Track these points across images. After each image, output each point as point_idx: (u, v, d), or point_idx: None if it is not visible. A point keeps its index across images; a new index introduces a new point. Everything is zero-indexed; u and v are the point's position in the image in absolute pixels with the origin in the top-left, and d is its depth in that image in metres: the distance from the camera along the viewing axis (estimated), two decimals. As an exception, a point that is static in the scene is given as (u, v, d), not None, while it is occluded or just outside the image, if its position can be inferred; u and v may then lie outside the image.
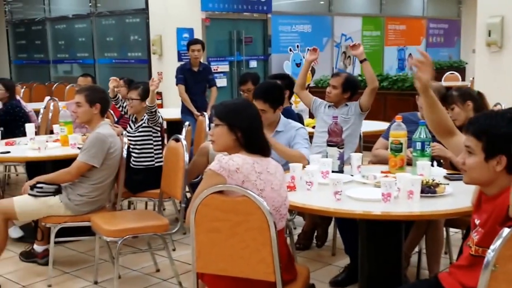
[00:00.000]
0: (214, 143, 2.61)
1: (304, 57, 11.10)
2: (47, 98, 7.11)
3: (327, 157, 3.30)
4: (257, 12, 10.26)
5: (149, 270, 3.98)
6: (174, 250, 4.28)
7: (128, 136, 4.27)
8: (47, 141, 4.38)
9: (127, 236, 3.42)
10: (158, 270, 3.96)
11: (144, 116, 4.32)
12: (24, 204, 3.58)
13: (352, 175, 3.23)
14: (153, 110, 4.24)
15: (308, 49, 4.43)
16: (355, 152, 3.85)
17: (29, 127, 4.65)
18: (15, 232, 4.43)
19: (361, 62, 4.27)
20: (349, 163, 3.42)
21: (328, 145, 3.35)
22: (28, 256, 4.09)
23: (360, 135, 4.54)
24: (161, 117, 4.42)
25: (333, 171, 3.17)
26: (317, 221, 4.33)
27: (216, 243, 2.45)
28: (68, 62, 11.90)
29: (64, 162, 3.88)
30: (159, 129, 4.38)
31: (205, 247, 2.48)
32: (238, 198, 2.37)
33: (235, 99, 3.77)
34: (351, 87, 4.35)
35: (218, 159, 2.46)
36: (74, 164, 3.62)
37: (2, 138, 4.62)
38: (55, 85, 10.43)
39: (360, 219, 2.87)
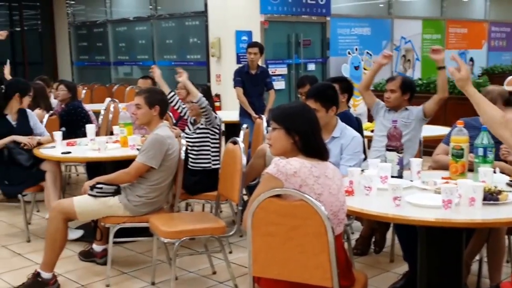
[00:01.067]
0: (272, 146, 2.58)
1: (362, 60, 10.96)
2: (108, 99, 7.29)
3: (386, 161, 3.23)
4: (316, 15, 10.20)
5: (205, 272, 4.00)
6: (230, 252, 4.28)
7: (186, 138, 4.31)
8: (107, 142, 4.47)
9: (185, 238, 3.43)
10: (214, 273, 3.97)
11: (202, 118, 4.34)
12: (84, 204, 3.66)
13: (411, 181, 3.14)
14: (203, 105, 4.25)
15: (383, 53, 4.36)
16: (415, 157, 3.75)
17: (90, 128, 4.76)
18: (72, 233, 4.53)
19: (438, 68, 4.14)
20: (408, 168, 3.33)
21: (387, 150, 3.27)
22: (87, 256, 4.18)
23: (420, 140, 4.42)
24: (219, 119, 4.44)
25: (392, 176, 3.09)
26: (375, 227, 4.24)
27: (273, 247, 2.42)
28: (128, 64, 12.18)
29: (124, 163, 3.94)
30: (217, 131, 4.40)
31: (262, 251, 2.46)
32: (296, 202, 2.34)
33: (292, 103, 3.73)
34: (409, 88, 4.29)
35: (275, 163, 2.43)
36: (133, 165, 3.67)
37: (64, 138, 4.74)
38: (115, 86, 10.68)
39: (420, 225, 2.78)
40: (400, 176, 3.21)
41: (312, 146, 2.51)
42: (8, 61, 6.72)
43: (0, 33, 6.42)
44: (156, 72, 5.16)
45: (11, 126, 4.79)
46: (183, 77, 4.62)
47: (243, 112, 6.62)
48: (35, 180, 4.64)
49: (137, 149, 4.17)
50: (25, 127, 4.83)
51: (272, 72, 8.73)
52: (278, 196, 2.38)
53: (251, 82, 6.68)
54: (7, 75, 6.48)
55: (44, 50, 13.58)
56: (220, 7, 9.47)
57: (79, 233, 4.59)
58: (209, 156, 4.35)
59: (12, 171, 4.64)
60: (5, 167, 4.65)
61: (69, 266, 4.05)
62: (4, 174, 4.65)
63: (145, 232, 3.79)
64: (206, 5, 9.77)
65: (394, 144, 3.25)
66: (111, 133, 5.41)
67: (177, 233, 3.43)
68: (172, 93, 5.12)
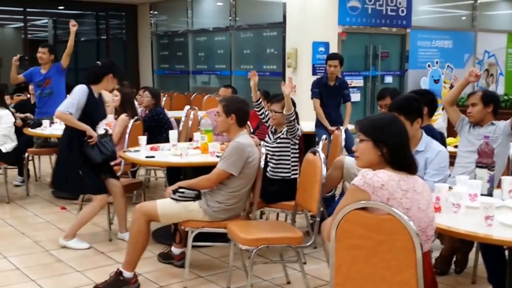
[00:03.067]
0: (358, 158, 2.55)
1: (443, 73, 10.66)
2: (187, 107, 7.45)
3: (475, 178, 3.11)
4: (395, 27, 10.02)
5: (280, 282, 3.98)
6: (305, 263, 4.25)
7: (266, 146, 4.33)
8: (188, 148, 4.57)
9: (262, 246, 3.44)
10: (289, 282, 3.95)
11: (283, 128, 4.35)
12: (166, 207, 3.74)
13: (503, 200, 3.01)
14: (292, 118, 4.26)
15: (472, 70, 4.23)
16: (503, 174, 3.60)
17: (173, 134, 4.88)
18: (79, 244, 4.60)
19: None
20: (498, 187, 3.20)
21: (478, 167, 3.15)
22: (165, 258, 4.27)
23: (508, 157, 4.24)
24: (300, 129, 4.44)
25: (482, 194, 2.98)
26: (457, 246, 4.09)
27: (357, 260, 2.38)
28: (206, 73, 12.41)
29: (202, 169, 4.02)
30: (297, 141, 4.40)
31: (345, 264, 2.42)
32: (383, 216, 2.29)
33: (380, 114, 3.67)
34: (492, 100, 4.16)
35: (362, 174, 2.40)
36: (214, 172, 3.73)
37: (147, 143, 4.89)
38: (193, 95, 10.92)
39: (510, 247, 2.66)
40: (490, 194, 3.09)
41: (400, 159, 2.46)
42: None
43: (72, 23, 6.70)
44: (254, 77, 5.14)
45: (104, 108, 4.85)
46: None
47: (319, 123, 6.59)
48: (98, 189, 4.56)
49: (217, 156, 4.24)
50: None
51: (348, 84, 8.64)
52: (364, 208, 2.34)
53: (329, 93, 6.64)
54: None
55: (127, 58, 14.09)
56: (298, 18, 9.48)
57: (86, 245, 4.61)
58: (288, 166, 4.36)
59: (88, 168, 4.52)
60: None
61: (148, 267, 4.15)
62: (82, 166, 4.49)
63: (222, 237, 3.84)
64: (284, 16, 9.81)
65: (485, 161, 3.13)
66: (190, 139, 5.51)
67: (255, 241, 3.44)
68: (260, 101, 5.16)
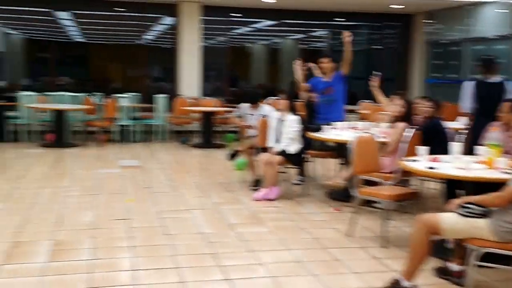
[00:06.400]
0: None
1: None
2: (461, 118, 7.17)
3: None
4: None
5: None
6: None
7: None
8: (472, 162, 4.39)
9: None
10: None
11: None
12: (451, 222, 3.64)
13: None
14: None
15: None
16: None
17: (456, 146, 4.74)
18: None
19: None
20: None
21: None
22: (443, 273, 4.16)
23: None
24: None
25: None
26: None
27: None
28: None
29: (486, 185, 3.80)
30: None
31: None
32: None
33: None
34: None
35: None
36: (507, 190, 3.51)
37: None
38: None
39: None
40: None
41: None
42: (378, 73, 7.05)
43: (347, 35, 6.93)
44: None
45: None
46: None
47: None
48: None
49: (506, 172, 3.98)
50: None
51: None
52: None
53: None
54: (375, 87, 6.90)
55: (398, 67, 14.13)
56: None
57: None
58: None
59: None
60: None
61: (423, 279, 4.09)
62: None
63: (505, 259, 3.60)
64: None
65: None
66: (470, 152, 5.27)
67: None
68: None
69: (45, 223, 5.40)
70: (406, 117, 5.72)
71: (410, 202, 5.41)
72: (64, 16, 14.39)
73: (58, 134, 10.72)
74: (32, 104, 11.11)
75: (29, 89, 12.18)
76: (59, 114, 10.75)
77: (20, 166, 8.47)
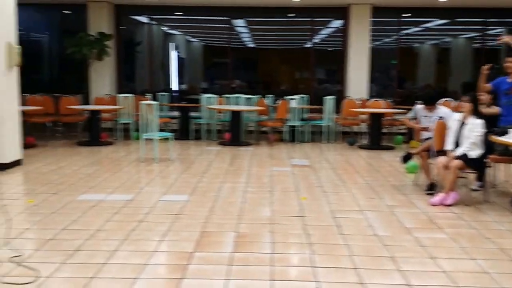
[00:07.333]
0: None
1: None
2: None
3: None
4: None
5: None
6: None
7: None
8: None
9: None
10: None
11: None
12: None
13: None
14: None
15: None
16: None
17: None
18: None
19: None
20: None
21: None
22: None
23: None
24: None
25: None
26: None
27: None
28: None
29: None
30: None
31: None
32: None
33: None
34: None
35: None
36: None
37: None
38: None
39: None
40: None
41: None
42: None
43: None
44: None
45: None
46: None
47: None
48: None
49: None
50: None
51: None
52: None
53: None
54: None
55: None
56: None
57: None
58: None
59: None
60: None
61: None
62: None
63: None
64: None
65: None
66: None
67: None
68: None
69: (228, 215, 5.74)
70: None
71: None
72: (239, 24, 15.15)
73: (234, 133, 11.34)
74: (212, 105, 11.93)
75: (206, 91, 13.05)
76: (236, 115, 11.36)
77: (202, 162, 9.10)
